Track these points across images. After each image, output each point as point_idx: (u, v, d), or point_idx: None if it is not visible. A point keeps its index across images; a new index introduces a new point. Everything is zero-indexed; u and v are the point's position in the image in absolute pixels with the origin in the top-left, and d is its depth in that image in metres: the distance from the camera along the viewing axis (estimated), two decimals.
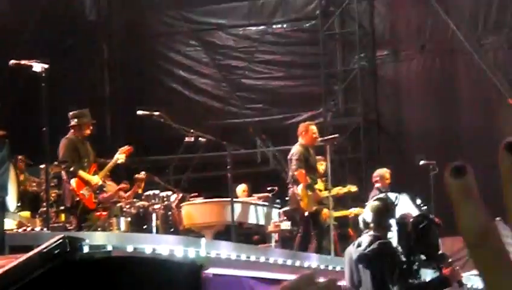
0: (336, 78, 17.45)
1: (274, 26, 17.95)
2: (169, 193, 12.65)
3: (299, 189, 10.81)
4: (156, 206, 12.15)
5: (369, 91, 17.17)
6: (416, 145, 15.93)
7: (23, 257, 5.49)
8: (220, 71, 17.96)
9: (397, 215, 6.60)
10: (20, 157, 11.07)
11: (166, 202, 12.32)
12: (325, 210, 11.13)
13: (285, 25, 17.93)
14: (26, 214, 10.76)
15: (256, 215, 12.19)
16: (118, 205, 10.94)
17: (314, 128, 11.25)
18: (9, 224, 9.22)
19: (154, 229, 11.81)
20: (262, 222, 12.24)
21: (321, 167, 11.83)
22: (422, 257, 6.46)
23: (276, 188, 12.68)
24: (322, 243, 11.00)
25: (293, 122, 16.21)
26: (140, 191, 12.17)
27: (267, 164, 16.75)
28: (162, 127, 10.33)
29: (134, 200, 12.32)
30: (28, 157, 11.33)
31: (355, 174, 16.17)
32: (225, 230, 11.34)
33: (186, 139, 10.14)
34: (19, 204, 10.42)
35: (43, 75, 8.54)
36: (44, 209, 10.03)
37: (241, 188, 13.25)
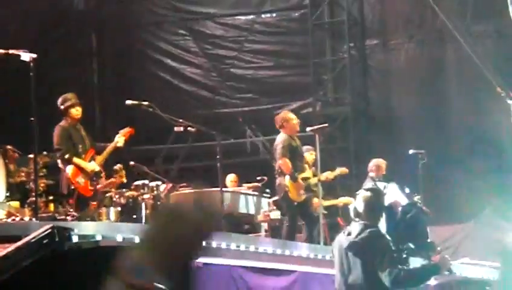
0: (325, 67, 17.44)
1: (263, 16, 17.93)
2: (159, 182, 12.63)
3: (286, 179, 10.81)
4: (145, 196, 12.13)
5: (359, 81, 17.18)
6: (406, 134, 15.95)
7: (11, 246, 5.47)
8: (209, 61, 17.93)
9: (386, 204, 6.61)
10: (9, 147, 11.03)
11: (155, 192, 12.30)
12: (315, 199, 11.13)
13: (274, 15, 17.90)
14: (15, 204, 10.73)
15: (246, 205, 12.20)
16: (108, 194, 10.91)
17: (291, 115, 11.20)
18: None
19: (143, 219, 11.80)
20: (252, 211, 12.25)
21: (311, 156, 11.83)
22: (411, 245, 6.48)
23: (265, 177, 12.68)
24: (313, 232, 11.00)
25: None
26: (122, 180, 12.21)
27: (256, 154, 16.77)
28: (151, 117, 10.29)
29: (124, 190, 12.32)
30: (17, 148, 11.28)
31: (345, 164, 16.19)
32: None
33: (176, 129, 10.10)
34: (7, 194, 10.38)
35: (32, 64, 8.50)
36: (33, 199, 9.99)
37: (230, 178, 13.25)
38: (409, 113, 16.56)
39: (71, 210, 10.93)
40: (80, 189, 9.72)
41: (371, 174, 12.24)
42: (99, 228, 7.04)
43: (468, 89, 15.94)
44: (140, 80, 17.69)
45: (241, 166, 14.54)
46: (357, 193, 6.86)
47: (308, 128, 11.29)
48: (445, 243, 13.63)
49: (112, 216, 11.16)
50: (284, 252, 9.13)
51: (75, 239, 6.21)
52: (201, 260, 7.21)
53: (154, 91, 16.48)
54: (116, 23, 18.36)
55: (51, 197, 11.30)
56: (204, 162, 14.80)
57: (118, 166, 12.14)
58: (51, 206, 11.31)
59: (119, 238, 6.85)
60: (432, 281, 6.32)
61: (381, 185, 6.76)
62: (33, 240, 5.56)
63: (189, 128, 10.01)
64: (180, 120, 10.02)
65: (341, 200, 12.91)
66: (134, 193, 12.14)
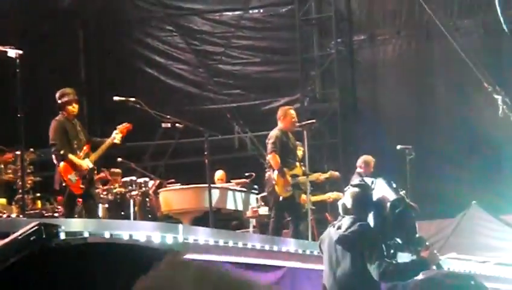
0: (312, 63, 17.45)
1: (250, 12, 17.91)
2: (147, 179, 12.63)
3: (274, 174, 10.82)
4: (133, 193, 12.13)
5: (346, 76, 17.19)
6: (393, 129, 15.97)
7: None
8: (196, 57, 17.91)
9: (374, 199, 6.62)
10: None
11: (143, 189, 12.31)
12: (303, 195, 11.14)
13: (261, 10, 17.89)
14: (2, 201, 10.70)
15: (234, 201, 12.19)
16: (96, 191, 10.88)
17: (293, 112, 11.24)
18: None
19: (131, 216, 11.80)
20: (240, 207, 12.24)
21: (299, 152, 11.84)
22: (399, 240, 6.49)
23: (253, 173, 12.68)
24: (299, 227, 11.00)
25: (270, 108, 16.22)
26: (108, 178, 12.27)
27: (244, 150, 16.76)
28: (139, 113, 10.26)
29: (112, 187, 12.31)
30: (3, 144, 11.25)
31: (333, 160, 16.22)
32: (203, 216, 11.32)
33: (163, 125, 10.07)
34: None
35: (18, 61, 8.47)
36: (20, 196, 9.95)
37: (218, 174, 13.24)
38: (397, 108, 16.59)
39: (59, 207, 10.91)
40: (71, 186, 9.64)
41: (359, 170, 12.25)
42: (87, 225, 7.01)
43: (455, 84, 15.99)
44: (128, 76, 17.63)
45: (229, 162, 14.52)
46: (345, 189, 6.87)
47: (297, 124, 11.30)
48: (433, 238, 13.66)
49: (100, 213, 11.15)
50: (272, 248, 9.13)
51: (62, 236, 6.18)
52: (190, 256, 7.20)
53: (141, 87, 16.44)
54: (102, 19, 18.30)
55: (38, 194, 11.29)
56: (192, 158, 14.78)
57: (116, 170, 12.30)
58: (39, 203, 11.30)
59: (106, 235, 6.83)
60: (419, 275, 6.32)
61: (368, 180, 6.74)
62: (20, 237, 5.53)
63: (176, 124, 9.98)
64: (168, 116, 10.00)
65: (329, 195, 12.91)
66: (122, 190, 12.15)
